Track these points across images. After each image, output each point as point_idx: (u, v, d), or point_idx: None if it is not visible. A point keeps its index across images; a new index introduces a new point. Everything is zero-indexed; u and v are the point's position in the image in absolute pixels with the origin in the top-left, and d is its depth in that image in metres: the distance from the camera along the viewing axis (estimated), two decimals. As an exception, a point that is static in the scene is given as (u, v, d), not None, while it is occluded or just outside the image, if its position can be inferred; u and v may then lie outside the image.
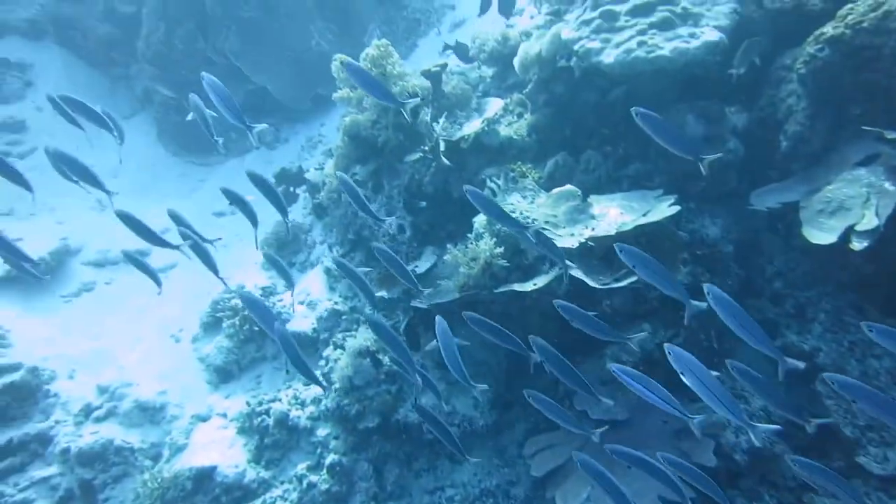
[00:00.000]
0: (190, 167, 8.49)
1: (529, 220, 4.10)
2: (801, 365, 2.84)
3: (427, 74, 4.97)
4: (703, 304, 2.83)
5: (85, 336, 6.15)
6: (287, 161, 7.77)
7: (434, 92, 5.05)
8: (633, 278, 3.25)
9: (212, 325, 6.13)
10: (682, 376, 2.66)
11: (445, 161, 4.69)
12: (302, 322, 5.76)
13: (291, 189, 6.82)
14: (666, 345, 2.72)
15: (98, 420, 5.20)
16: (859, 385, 2.53)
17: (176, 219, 4.30)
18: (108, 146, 8.44)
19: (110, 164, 8.58)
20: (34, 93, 9.01)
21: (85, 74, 9.38)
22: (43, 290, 6.56)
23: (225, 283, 4.32)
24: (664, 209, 3.47)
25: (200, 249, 4.12)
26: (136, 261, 4.55)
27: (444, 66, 5.00)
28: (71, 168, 3.95)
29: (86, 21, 8.66)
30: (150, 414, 5.36)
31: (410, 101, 4.11)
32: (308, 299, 6.01)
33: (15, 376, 5.11)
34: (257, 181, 3.96)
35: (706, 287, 2.73)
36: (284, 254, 6.74)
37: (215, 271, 4.12)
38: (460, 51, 6.05)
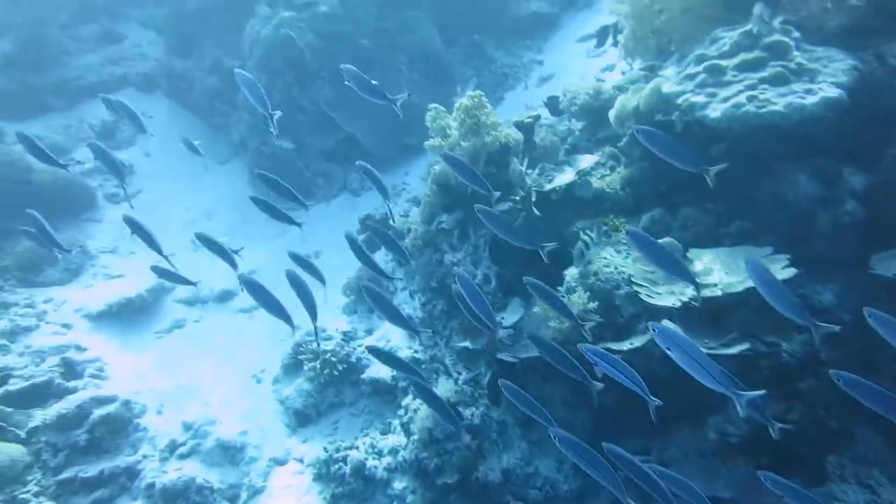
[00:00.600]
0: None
1: (624, 276, 3.96)
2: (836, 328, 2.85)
3: (519, 125, 4.98)
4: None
5: (174, 372, 6.35)
6: (371, 208, 7.93)
7: (525, 143, 5.05)
8: (745, 346, 3.03)
9: (293, 367, 6.20)
10: (667, 352, 2.76)
11: (536, 212, 4.63)
12: (381, 369, 5.74)
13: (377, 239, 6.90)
14: (650, 323, 2.83)
15: (182, 457, 5.30)
16: (867, 384, 2.55)
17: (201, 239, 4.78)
18: (208, 190, 8.85)
19: (207, 205, 9.11)
20: (141, 140, 9.70)
21: (188, 122, 10.02)
22: (140, 325, 6.88)
23: (235, 265, 4.66)
24: (777, 271, 3.25)
25: (214, 245, 4.64)
26: (161, 271, 5.09)
27: (538, 117, 5.00)
28: (105, 162, 4.82)
29: (194, 74, 9.31)
30: (230, 454, 5.42)
31: (400, 96, 4.37)
32: (388, 346, 6.00)
33: (110, 408, 5.31)
34: (264, 180, 4.56)
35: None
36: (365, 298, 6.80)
37: (232, 263, 4.67)
38: (550, 104, 6.05)
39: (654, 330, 2.75)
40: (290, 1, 7.32)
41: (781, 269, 3.28)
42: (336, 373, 5.84)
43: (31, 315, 6.47)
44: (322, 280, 4.61)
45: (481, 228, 5.33)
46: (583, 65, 6.70)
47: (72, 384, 5.57)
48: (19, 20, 9.50)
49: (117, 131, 9.55)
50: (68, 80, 9.62)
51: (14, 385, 5.31)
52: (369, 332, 6.45)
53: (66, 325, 6.51)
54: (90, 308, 6.77)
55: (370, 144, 8.13)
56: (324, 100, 7.90)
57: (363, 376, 5.75)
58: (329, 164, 8.42)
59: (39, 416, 5.06)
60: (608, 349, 3.68)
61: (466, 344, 4.89)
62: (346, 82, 4.42)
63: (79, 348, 6.18)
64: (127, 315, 6.92)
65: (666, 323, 2.94)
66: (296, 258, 4.73)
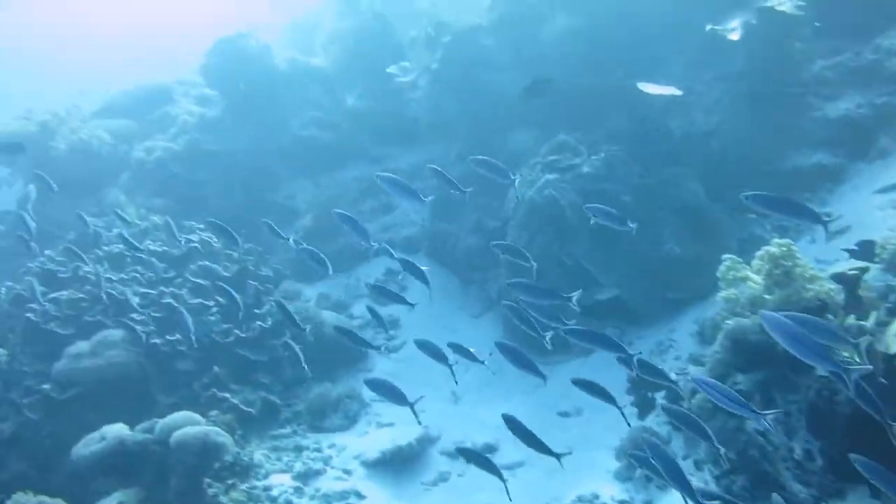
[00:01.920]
0: (532, 365, 8.81)
1: None
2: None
3: (839, 278, 4.44)
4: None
5: (442, 528, 6.29)
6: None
7: (847, 298, 4.46)
8: None
9: (562, 536, 5.76)
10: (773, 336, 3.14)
11: (882, 380, 3.93)
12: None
13: (650, 394, 6.48)
14: (762, 311, 3.29)
15: None
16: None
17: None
18: (463, 342, 9.22)
19: (460, 359, 9.47)
20: (406, 294, 10.65)
21: (444, 278, 10.81)
22: (408, 475, 7.05)
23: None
24: None
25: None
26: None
27: (864, 269, 4.43)
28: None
29: (455, 235, 10.21)
30: None
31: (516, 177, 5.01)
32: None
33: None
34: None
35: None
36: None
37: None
38: (862, 253, 5.38)
39: (763, 317, 3.18)
40: (554, 164, 7.82)
41: None
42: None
43: (319, 459, 7.01)
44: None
45: (792, 393, 4.69)
46: (891, 217, 6.01)
47: (355, 532, 5.74)
48: (320, 200, 11.48)
49: (387, 286, 10.62)
50: (350, 246, 11.14)
51: (310, 528, 5.62)
52: (648, 503, 5.84)
53: (346, 471, 6.90)
54: (366, 455, 7.13)
55: (629, 298, 7.94)
56: (581, 253, 8.03)
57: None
58: (585, 318, 8.33)
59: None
60: None
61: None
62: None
63: (358, 495, 6.45)
64: (397, 463, 7.15)
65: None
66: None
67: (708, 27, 7.41)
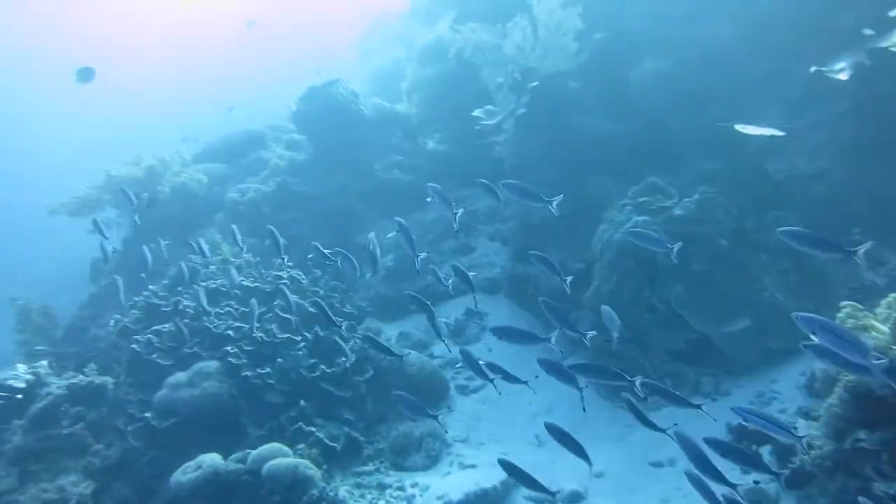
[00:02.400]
0: (619, 412, 8.45)
1: None
2: None
3: (982, 328, 4.10)
4: None
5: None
6: (730, 415, 7.15)
7: None
8: None
9: None
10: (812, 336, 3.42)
11: None
12: None
13: (754, 447, 6.11)
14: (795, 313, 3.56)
15: None
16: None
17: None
18: (548, 385, 9.04)
19: (548, 400, 9.23)
20: (487, 336, 10.59)
21: (525, 320, 10.71)
22: (494, 522, 6.88)
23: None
24: None
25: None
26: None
27: None
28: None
29: (537, 277, 10.11)
30: None
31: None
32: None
33: None
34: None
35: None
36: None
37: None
38: None
39: (797, 317, 3.43)
40: (645, 206, 7.68)
41: None
42: None
43: (402, 498, 6.95)
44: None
45: (929, 454, 4.31)
46: None
47: (443, 576, 5.59)
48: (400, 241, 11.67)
49: (466, 329, 10.61)
50: (430, 286, 11.23)
51: (397, 570, 5.53)
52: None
53: (430, 512, 6.79)
54: (450, 496, 6.99)
55: (726, 346, 7.59)
56: (674, 299, 7.77)
57: None
58: (676, 365, 8.01)
59: None
60: None
61: None
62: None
63: (445, 538, 6.31)
64: (483, 508, 6.99)
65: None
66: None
67: (812, 69, 7.18)
